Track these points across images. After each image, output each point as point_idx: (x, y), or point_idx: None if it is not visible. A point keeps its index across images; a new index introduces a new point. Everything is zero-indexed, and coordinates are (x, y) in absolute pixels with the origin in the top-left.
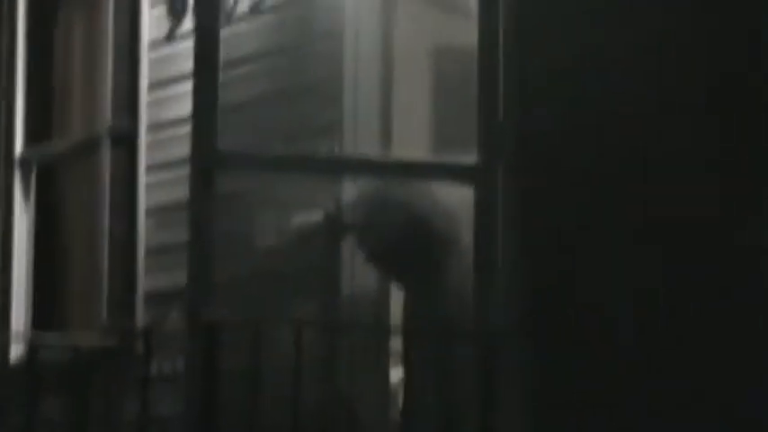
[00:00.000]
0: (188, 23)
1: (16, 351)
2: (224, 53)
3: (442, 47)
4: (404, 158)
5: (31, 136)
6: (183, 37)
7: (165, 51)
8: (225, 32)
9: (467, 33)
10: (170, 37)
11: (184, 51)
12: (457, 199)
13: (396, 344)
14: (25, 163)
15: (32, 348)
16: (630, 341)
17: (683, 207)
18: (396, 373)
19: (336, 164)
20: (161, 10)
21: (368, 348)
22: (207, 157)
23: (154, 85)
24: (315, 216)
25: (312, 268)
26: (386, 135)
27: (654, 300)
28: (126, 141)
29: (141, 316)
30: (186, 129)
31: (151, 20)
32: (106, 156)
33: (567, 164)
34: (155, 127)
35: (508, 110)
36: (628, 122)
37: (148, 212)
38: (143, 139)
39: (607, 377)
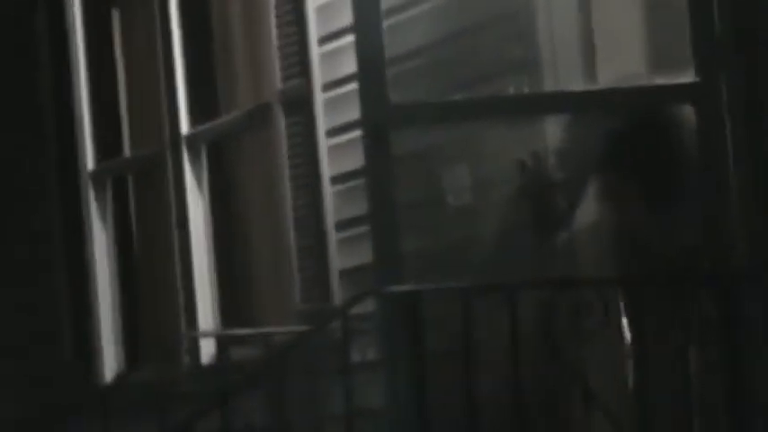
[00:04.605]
0: None
1: (207, 350)
2: None
3: None
4: (614, 87)
5: (197, 113)
6: None
7: None
8: None
9: None
10: None
11: None
12: (679, 121)
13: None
14: (193, 143)
15: (223, 346)
16: None
17: None
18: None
19: (538, 102)
20: None
21: (591, 307)
22: (379, 114)
23: (324, 39)
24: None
25: (519, 226)
26: (589, 63)
27: None
28: (300, 105)
29: (337, 296)
30: None
31: None
32: (280, 124)
33: None
34: (331, 85)
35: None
36: None
37: (333, 181)
38: (319, 100)
39: None
